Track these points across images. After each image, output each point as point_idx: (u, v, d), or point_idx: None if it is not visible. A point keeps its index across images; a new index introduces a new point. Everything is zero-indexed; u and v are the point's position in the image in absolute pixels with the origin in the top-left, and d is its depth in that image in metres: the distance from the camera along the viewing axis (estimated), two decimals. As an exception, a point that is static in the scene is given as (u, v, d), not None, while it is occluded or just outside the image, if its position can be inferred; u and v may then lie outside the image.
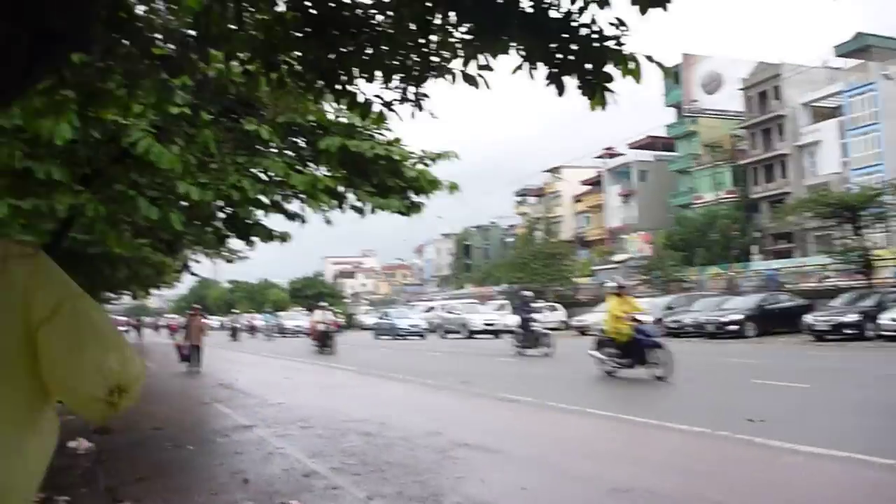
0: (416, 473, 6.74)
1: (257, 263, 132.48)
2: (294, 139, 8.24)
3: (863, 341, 21.45)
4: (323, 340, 26.74)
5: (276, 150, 7.64)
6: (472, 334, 35.57)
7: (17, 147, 5.99)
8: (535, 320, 21.88)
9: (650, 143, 68.01)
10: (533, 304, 23.59)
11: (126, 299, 53.56)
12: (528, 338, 21.23)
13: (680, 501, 5.55)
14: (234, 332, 46.17)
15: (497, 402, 11.50)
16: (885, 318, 21.02)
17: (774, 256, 49.56)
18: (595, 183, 74.46)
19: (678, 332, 28.37)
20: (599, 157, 75.05)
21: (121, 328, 40.70)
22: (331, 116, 8.33)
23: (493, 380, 14.88)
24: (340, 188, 8.60)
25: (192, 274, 27.28)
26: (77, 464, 7.98)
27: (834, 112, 50.60)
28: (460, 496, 5.88)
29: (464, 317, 37.54)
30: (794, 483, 6.10)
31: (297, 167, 7.43)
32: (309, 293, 78.62)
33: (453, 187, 8.62)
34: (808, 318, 22.53)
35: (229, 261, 21.50)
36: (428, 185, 8.42)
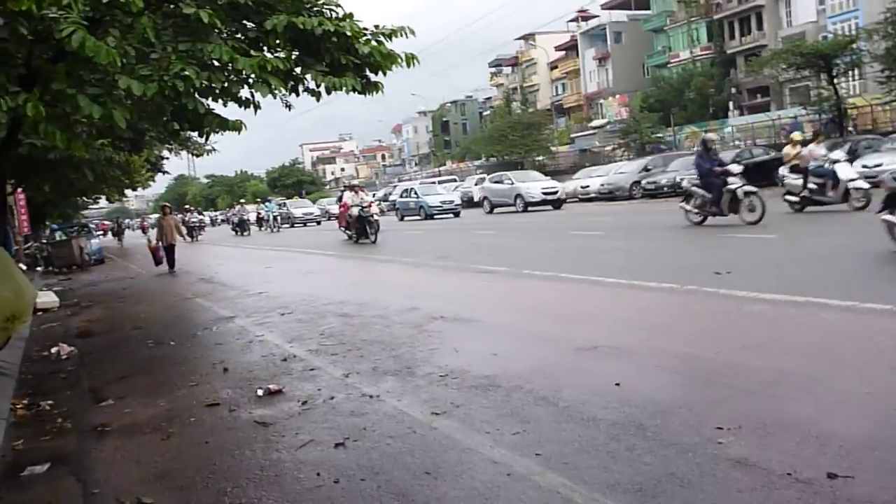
0: (392, 348, 6.89)
1: (234, 156, 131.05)
2: (240, 22, 7.90)
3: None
4: (361, 228, 21.55)
5: (221, 35, 7.33)
6: (527, 207, 30.17)
7: (-55, 51, 5.72)
8: (729, 173, 14.91)
9: (624, 3, 66.11)
10: (720, 153, 17.93)
11: (103, 203, 52.94)
12: (719, 200, 14.83)
13: (642, 355, 5.71)
14: (242, 226, 40.96)
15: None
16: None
17: (751, 112, 49.24)
18: (570, 48, 72.87)
19: (655, 193, 28.55)
20: (573, 20, 73.17)
21: (98, 232, 40.39)
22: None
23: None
24: (294, 70, 8.32)
25: (163, 172, 26.89)
26: (60, 368, 8.12)
27: (810, -44, 49.00)
28: (433, 366, 6.03)
29: (517, 186, 31.12)
30: (754, 327, 6.28)
31: (245, 50, 7.14)
32: (288, 182, 78.14)
33: (410, 59, 8.33)
34: (782, 170, 22.48)
35: (198, 155, 21.19)
36: (384, 59, 8.14)
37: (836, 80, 32.71)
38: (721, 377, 4.88)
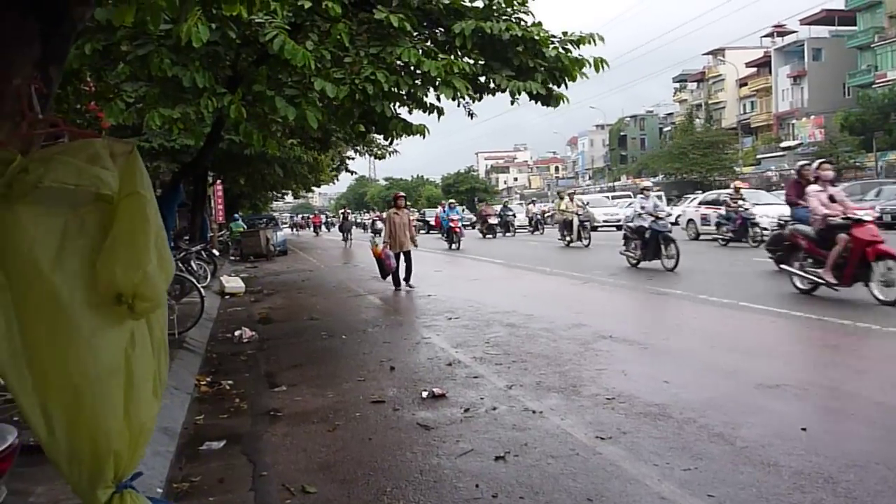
0: (557, 364, 6.74)
1: (412, 161, 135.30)
2: (430, 28, 8.06)
3: None
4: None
5: (411, 41, 7.50)
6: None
7: (166, 55, 6.22)
8: None
9: (826, 18, 61.83)
10: None
11: (289, 198, 55.92)
12: None
13: (833, 399, 5.21)
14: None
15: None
16: None
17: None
18: (762, 65, 69.17)
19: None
20: (768, 35, 69.38)
21: (286, 228, 41.71)
22: (467, 2, 8.07)
23: None
24: (480, 78, 8.39)
25: (349, 171, 28.00)
26: (241, 350, 8.62)
27: None
28: (599, 387, 5.82)
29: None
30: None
31: (433, 54, 7.26)
32: (461, 188, 79.59)
33: (599, 63, 8.14)
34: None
35: (380, 157, 21.93)
36: (571, 64, 8.00)
37: None
38: (928, 434, 4.36)
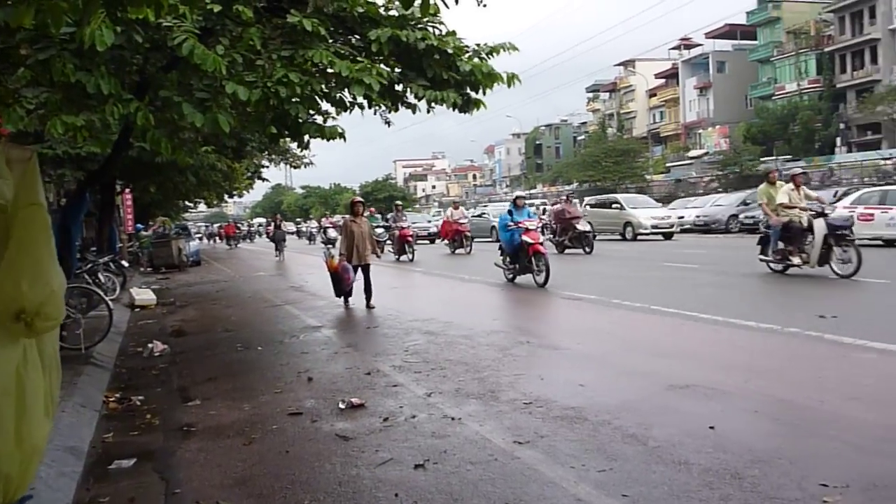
0: (476, 371, 6.78)
1: (330, 169, 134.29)
2: (345, 35, 8.02)
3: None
4: None
5: (326, 46, 7.44)
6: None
7: (69, 59, 5.99)
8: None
9: (729, 32, 64.56)
10: None
11: (202, 207, 54.39)
12: None
13: (740, 397, 5.40)
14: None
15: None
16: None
17: (860, 149, 47.13)
18: (670, 76, 71.65)
19: (753, 228, 27.50)
20: (675, 48, 71.94)
21: (202, 238, 40.37)
22: (382, 11, 8.07)
23: None
24: (397, 87, 8.40)
25: (262, 178, 27.55)
26: (152, 364, 8.35)
27: (933, -11, 46.73)
28: (517, 392, 5.89)
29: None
30: (862, 377, 5.86)
31: (347, 57, 7.21)
32: (380, 196, 79.33)
33: (512, 78, 8.28)
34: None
35: (296, 167, 21.67)
36: (484, 78, 8.11)
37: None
38: (826, 429, 4.56)
